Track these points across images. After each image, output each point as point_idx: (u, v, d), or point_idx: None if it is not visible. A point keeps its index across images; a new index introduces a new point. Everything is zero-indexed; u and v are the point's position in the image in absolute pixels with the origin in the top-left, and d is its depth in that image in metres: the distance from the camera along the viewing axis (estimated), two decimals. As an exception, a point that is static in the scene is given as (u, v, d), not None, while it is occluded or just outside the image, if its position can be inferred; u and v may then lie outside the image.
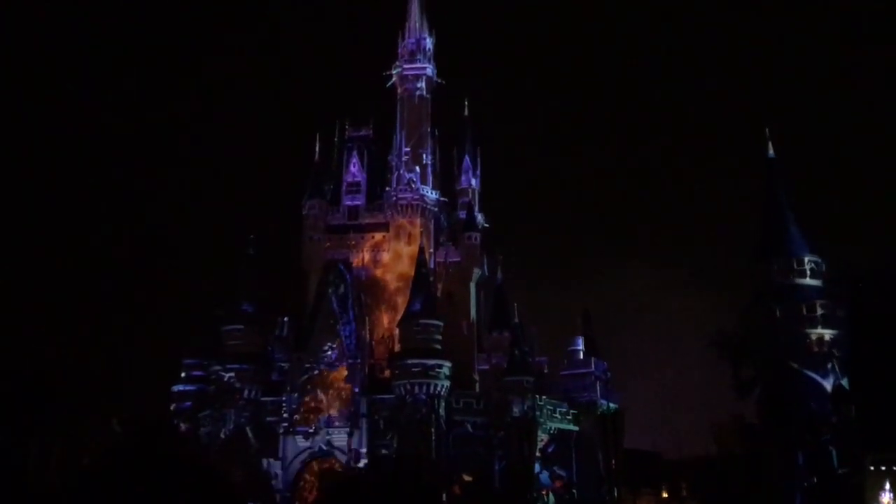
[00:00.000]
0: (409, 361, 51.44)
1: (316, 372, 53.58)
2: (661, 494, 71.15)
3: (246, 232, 58.75)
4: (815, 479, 42.07)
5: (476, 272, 64.23)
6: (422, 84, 66.36)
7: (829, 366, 44.31)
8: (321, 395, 53.21)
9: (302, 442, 52.17)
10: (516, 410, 52.69)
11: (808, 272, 46.59)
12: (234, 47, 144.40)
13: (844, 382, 44.26)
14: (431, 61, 67.27)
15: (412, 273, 57.00)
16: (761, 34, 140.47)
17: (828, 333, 44.70)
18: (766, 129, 50.85)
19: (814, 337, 44.71)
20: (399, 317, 55.92)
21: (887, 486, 40.66)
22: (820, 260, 47.20)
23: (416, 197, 62.66)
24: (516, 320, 59.16)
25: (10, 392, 39.36)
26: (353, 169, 65.30)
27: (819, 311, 44.95)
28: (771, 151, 50.39)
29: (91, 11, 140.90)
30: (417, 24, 68.07)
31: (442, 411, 51.79)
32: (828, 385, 44.09)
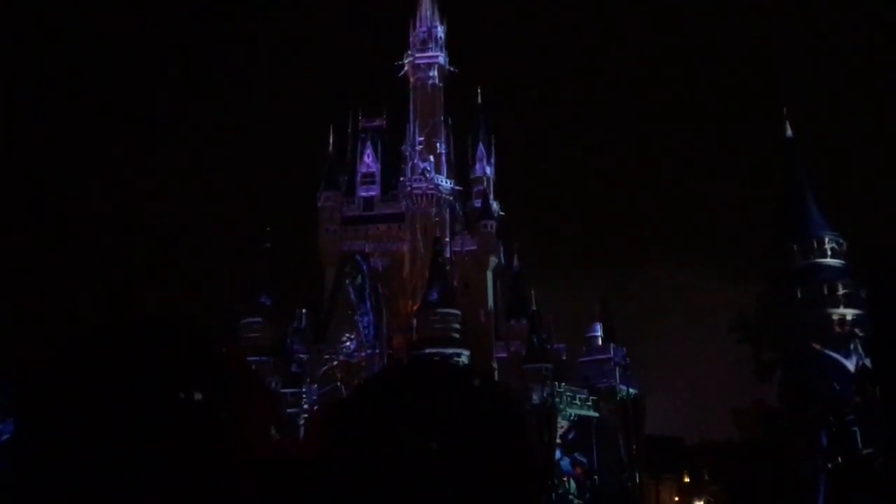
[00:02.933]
0: (428, 351, 51.42)
1: (335, 363, 53.77)
2: (682, 480, 70.82)
3: (262, 225, 59.10)
4: (839, 461, 41.74)
5: (492, 260, 64.11)
6: (434, 73, 66.13)
7: (852, 346, 43.93)
8: (340, 386, 53.37)
9: (322, 433, 52.33)
10: (535, 398, 52.64)
11: (829, 252, 46.16)
12: (247, 39, 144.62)
13: (867, 362, 43.84)
14: (443, 50, 67.00)
15: (428, 263, 57.00)
16: (777, 14, 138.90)
17: (850, 313, 44.27)
18: (784, 109, 50.47)
19: (835, 317, 44.30)
20: (416, 306, 55.96)
21: (913, 465, 40.24)
22: (841, 240, 46.75)
23: (431, 186, 62.56)
24: (534, 308, 59.03)
25: (30, 387, 39.68)
26: (367, 160, 65.33)
27: (841, 291, 44.54)
28: (789, 132, 49.94)
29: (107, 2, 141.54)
30: (429, 13, 67.81)
31: (461, 400, 51.81)
32: (850, 365, 43.69)
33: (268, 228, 58.81)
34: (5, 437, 37.22)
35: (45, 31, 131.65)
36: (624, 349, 60.66)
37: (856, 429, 41.94)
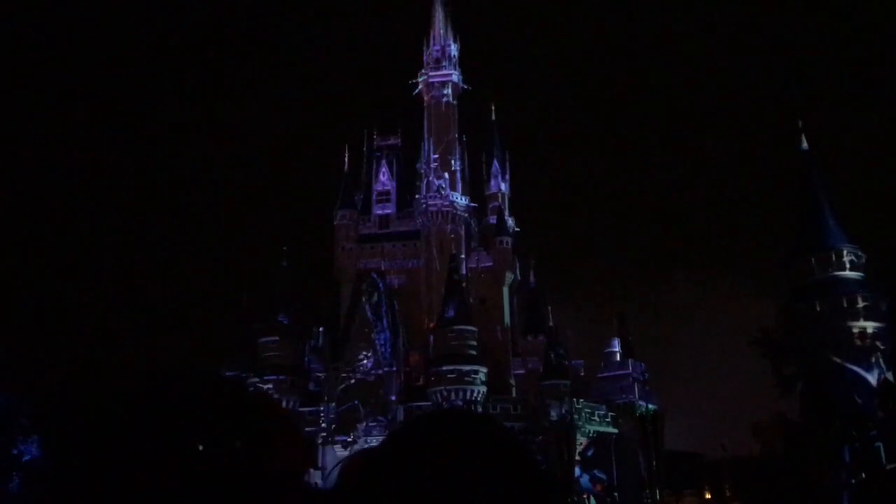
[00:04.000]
0: (445, 368, 51.42)
1: (352, 381, 53.75)
2: (703, 496, 70.05)
3: (279, 244, 59.43)
4: (863, 476, 41.17)
5: (508, 276, 64.06)
6: (448, 90, 66.48)
7: (874, 359, 43.43)
8: (358, 405, 53.35)
9: (341, 451, 52.33)
10: (554, 414, 52.34)
11: (848, 264, 45.77)
12: (264, 60, 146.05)
13: (890, 376, 43.32)
14: (457, 67, 67.39)
15: (444, 280, 57.04)
16: (790, 27, 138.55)
17: (871, 326, 43.82)
18: (799, 122, 50.25)
19: (856, 330, 43.85)
20: (433, 324, 55.95)
21: (938, 481, 39.61)
22: (860, 252, 46.36)
23: (446, 203, 62.72)
24: (551, 324, 58.83)
25: (53, 407, 40.01)
26: (382, 178, 65.63)
27: (861, 304, 44.10)
28: (804, 144, 49.70)
29: (135, 40, 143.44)
30: (442, 31, 68.26)
31: (479, 417, 51.58)
32: (872, 379, 43.19)
33: (284, 247, 59.14)
34: (27, 457, 37.57)
35: (76, 37, 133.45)
36: (643, 364, 60.25)
37: (879, 444, 41.37)
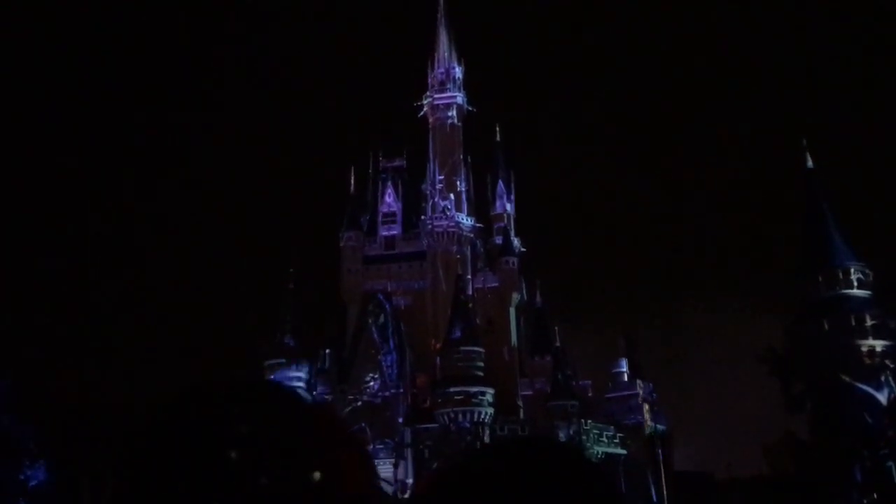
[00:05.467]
0: (452, 389, 51.23)
1: (359, 403, 53.58)
2: (714, 517, 69.29)
3: (286, 266, 59.49)
4: (875, 496, 40.76)
5: (515, 297, 63.97)
6: (453, 112, 66.80)
7: (883, 378, 43.12)
8: (365, 427, 53.15)
9: (348, 474, 51.98)
10: (562, 435, 51.98)
11: (856, 282, 45.59)
12: (270, 83, 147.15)
13: (900, 395, 42.97)
14: (461, 89, 67.76)
15: (451, 300, 56.96)
16: (796, 47, 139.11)
17: (879, 345, 43.55)
18: (804, 140, 50.28)
19: (864, 349, 43.59)
20: (439, 345, 55.83)
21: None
22: (867, 270, 46.17)
23: (452, 224, 62.80)
24: (557, 344, 58.64)
25: (61, 428, 39.98)
26: (388, 199, 65.80)
27: (869, 322, 43.88)
28: (809, 162, 49.71)
29: (141, 62, 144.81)
30: (446, 54, 68.72)
31: (486, 439, 51.30)
32: (882, 398, 42.85)
33: (291, 269, 59.17)
34: (33, 483, 37.45)
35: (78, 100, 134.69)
36: (650, 384, 59.97)
37: (891, 463, 41.01)
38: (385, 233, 64.99)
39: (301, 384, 52.34)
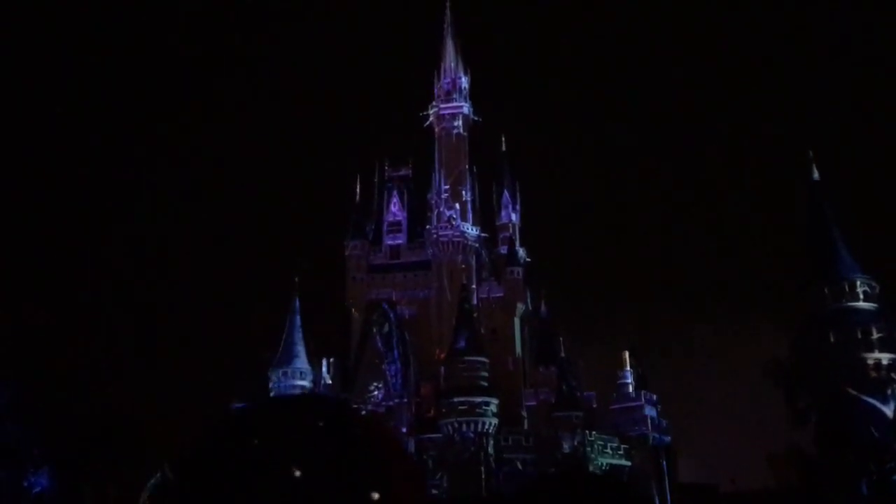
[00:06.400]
0: (456, 399, 51.13)
1: (363, 413, 53.49)
2: (719, 529, 68.92)
3: (291, 275, 59.56)
4: (882, 510, 40.50)
5: (520, 307, 63.93)
6: (458, 122, 66.98)
7: (889, 391, 42.94)
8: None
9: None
10: (566, 446, 51.88)
11: (862, 295, 45.43)
12: (276, 92, 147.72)
13: (906, 408, 42.77)
14: (467, 99, 67.97)
15: (455, 310, 56.94)
16: (802, 59, 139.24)
17: (885, 357, 43.40)
18: (810, 152, 50.23)
19: (871, 362, 43.44)
20: (444, 354, 55.76)
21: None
22: (873, 283, 46.01)
23: (457, 234, 62.86)
24: (562, 354, 58.52)
25: (64, 435, 40.04)
26: (393, 208, 65.95)
27: (875, 335, 43.74)
28: (816, 174, 49.65)
29: (145, 74, 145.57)
30: (453, 64, 68.94)
31: (491, 449, 51.20)
32: (888, 411, 42.66)
33: (296, 278, 59.26)
34: (37, 489, 37.47)
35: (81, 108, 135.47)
36: (655, 396, 59.74)
37: (896, 477, 40.79)
38: (390, 242, 65.11)
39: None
